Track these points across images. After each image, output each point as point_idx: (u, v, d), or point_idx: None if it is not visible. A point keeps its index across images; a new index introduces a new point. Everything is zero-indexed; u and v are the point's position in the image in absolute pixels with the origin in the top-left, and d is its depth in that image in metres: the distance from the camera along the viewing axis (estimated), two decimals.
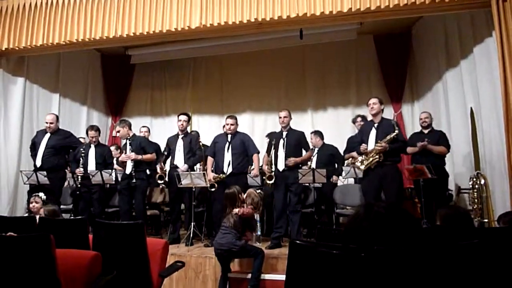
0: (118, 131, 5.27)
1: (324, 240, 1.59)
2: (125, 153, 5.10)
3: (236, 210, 3.87)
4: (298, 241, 1.11)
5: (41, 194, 4.19)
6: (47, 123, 5.34)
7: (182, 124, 5.23)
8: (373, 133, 4.49)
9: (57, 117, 5.50)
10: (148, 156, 5.13)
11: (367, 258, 0.98)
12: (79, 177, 5.20)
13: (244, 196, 4.06)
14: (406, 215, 1.05)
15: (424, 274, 1.02)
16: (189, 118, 5.40)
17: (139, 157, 5.03)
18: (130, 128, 5.22)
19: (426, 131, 5.08)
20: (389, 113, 6.51)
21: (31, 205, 4.09)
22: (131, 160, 5.00)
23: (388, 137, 4.32)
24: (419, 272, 1.03)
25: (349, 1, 4.31)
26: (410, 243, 1.00)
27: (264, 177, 5.25)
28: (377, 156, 4.32)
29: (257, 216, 5.46)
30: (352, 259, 1.01)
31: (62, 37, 5.23)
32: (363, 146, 4.49)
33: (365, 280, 0.99)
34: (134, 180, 4.97)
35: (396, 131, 4.32)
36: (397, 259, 1.00)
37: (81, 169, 5.20)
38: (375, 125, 4.53)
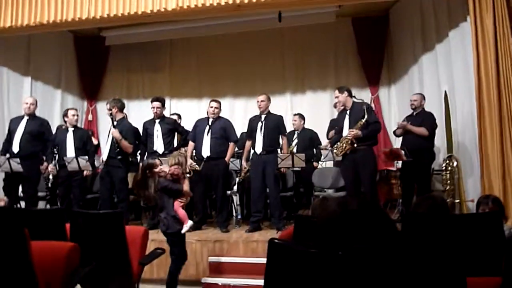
0: (109, 109, 5.08)
1: (303, 229, 1.62)
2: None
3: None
4: (276, 240, 1.13)
5: None
6: (26, 103, 5.14)
7: (156, 112, 5.09)
8: (346, 120, 4.55)
9: (36, 101, 5.30)
10: (125, 143, 4.88)
11: (344, 256, 1.01)
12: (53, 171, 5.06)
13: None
14: (378, 211, 1.08)
15: (400, 271, 1.05)
16: (163, 103, 5.22)
17: (120, 137, 4.81)
18: (121, 111, 5.05)
19: (415, 113, 5.02)
20: (366, 96, 6.58)
21: None
22: (113, 136, 4.85)
23: (358, 124, 4.38)
24: (396, 269, 1.06)
25: None
26: (381, 239, 1.03)
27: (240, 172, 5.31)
28: (349, 143, 4.37)
29: (236, 200, 5.53)
30: (329, 258, 1.04)
31: (31, 18, 4.98)
32: (331, 133, 4.59)
33: (342, 278, 1.02)
34: (110, 164, 4.88)
35: (365, 116, 4.37)
36: (374, 257, 1.03)
37: (53, 168, 5.06)
38: (348, 111, 4.59)
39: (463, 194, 4.58)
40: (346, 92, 4.58)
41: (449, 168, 4.76)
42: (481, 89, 4.03)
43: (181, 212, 3.37)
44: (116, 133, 4.85)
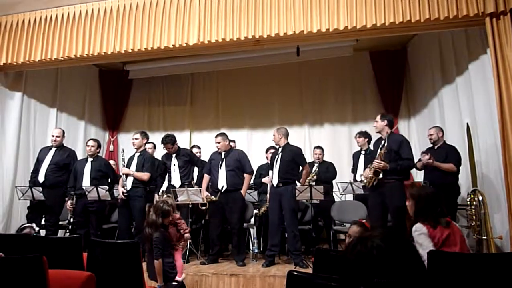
0: (136, 139, 5.24)
1: (323, 262, 1.56)
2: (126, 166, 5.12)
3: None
4: (296, 273, 1.08)
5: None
6: (53, 136, 5.34)
7: (169, 151, 5.25)
8: (379, 150, 4.47)
9: (63, 132, 5.48)
10: (138, 174, 5.04)
11: None
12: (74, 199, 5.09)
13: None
14: (403, 244, 1.03)
15: None
16: (173, 140, 5.27)
17: (130, 172, 5.01)
18: (145, 144, 5.32)
19: (436, 147, 4.92)
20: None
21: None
22: (126, 175, 5.01)
23: (381, 152, 4.29)
24: None
25: (345, 19, 4.36)
26: (409, 273, 0.98)
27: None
28: (373, 173, 4.27)
29: (253, 233, 5.45)
30: None
31: (60, 52, 5.23)
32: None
33: None
34: (129, 199, 4.98)
35: (385, 145, 4.29)
36: None
37: (73, 204, 5.06)
38: (383, 141, 4.51)
39: (490, 230, 4.38)
40: (386, 121, 4.46)
41: (474, 203, 4.59)
42: (504, 120, 3.94)
43: (179, 264, 3.33)
44: (125, 170, 5.03)
